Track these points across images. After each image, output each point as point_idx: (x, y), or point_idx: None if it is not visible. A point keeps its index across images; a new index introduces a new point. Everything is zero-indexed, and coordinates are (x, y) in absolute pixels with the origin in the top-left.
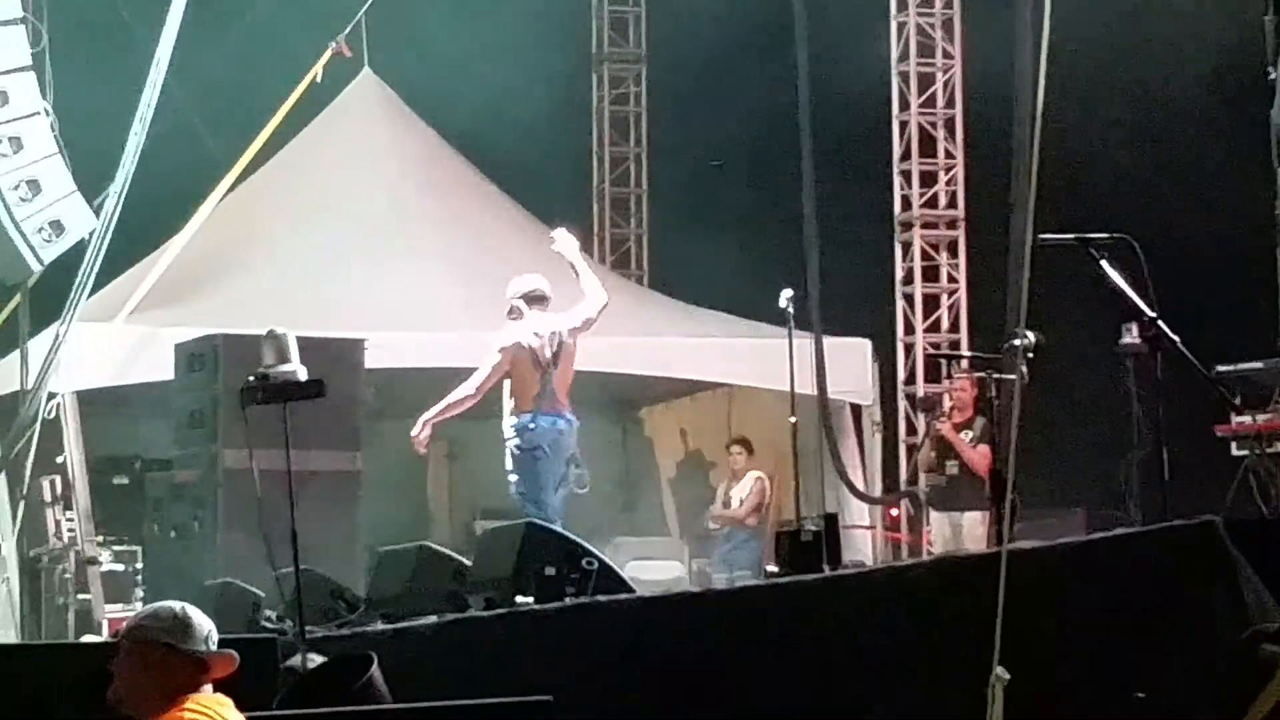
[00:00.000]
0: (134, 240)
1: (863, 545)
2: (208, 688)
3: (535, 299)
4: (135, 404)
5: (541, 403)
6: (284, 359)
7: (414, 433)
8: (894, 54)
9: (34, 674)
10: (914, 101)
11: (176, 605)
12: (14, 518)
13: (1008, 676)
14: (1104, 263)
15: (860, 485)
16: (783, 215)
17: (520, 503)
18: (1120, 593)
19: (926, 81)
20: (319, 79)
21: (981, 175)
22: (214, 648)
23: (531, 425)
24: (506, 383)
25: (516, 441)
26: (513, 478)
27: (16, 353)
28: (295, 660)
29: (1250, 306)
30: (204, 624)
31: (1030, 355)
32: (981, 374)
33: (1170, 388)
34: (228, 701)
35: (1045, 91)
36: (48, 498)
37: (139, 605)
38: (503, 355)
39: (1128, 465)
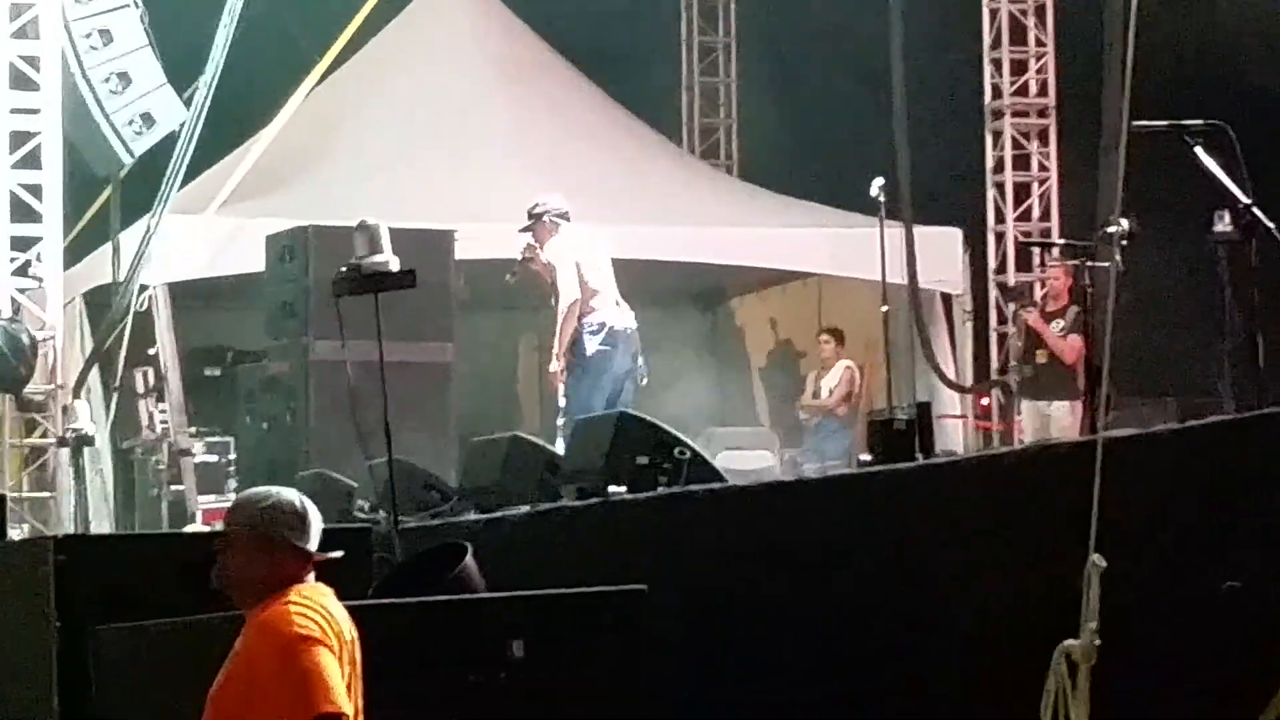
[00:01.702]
0: (224, 132)
1: (954, 434)
2: (310, 577)
3: (565, 218)
4: (226, 296)
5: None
6: (376, 249)
7: (553, 369)
8: None
9: (133, 563)
10: None
11: (295, 498)
12: (107, 410)
13: (1104, 564)
14: (1199, 149)
15: (951, 374)
16: (873, 104)
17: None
18: (1214, 481)
19: None
20: None
21: (1072, 63)
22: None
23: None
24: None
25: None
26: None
27: (108, 245)
28: (390, 550)
29: None
30: (318, 519)
31: (1124, 243)
32: (1075, 262)
33: (1263, 276)
34: (329, 592)
35: None
36: (140, 389)
37: (232, 496)
38: (576, 264)
39: (1220, 354)
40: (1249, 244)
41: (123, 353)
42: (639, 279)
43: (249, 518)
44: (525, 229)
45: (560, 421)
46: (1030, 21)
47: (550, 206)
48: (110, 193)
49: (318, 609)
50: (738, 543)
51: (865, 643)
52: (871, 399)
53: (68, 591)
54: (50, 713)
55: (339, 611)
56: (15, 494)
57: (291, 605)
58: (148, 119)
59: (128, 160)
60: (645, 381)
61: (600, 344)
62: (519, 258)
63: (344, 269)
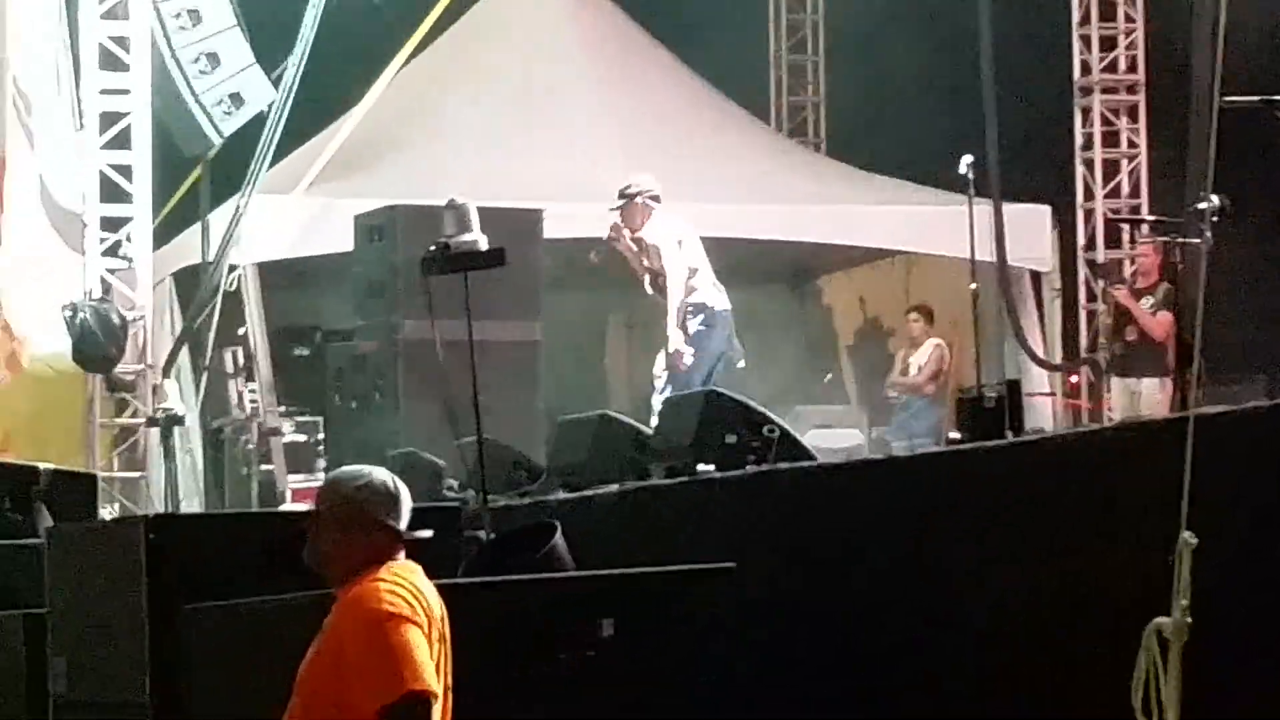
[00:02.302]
0: (312, 112)
1: (1043, 412)
2: (400, 555)
3: (657, 200)
4: (315, 275)
5: None
6: (464, 229)
7: (673, 348)
8: None
9: (224, 542)
10: None
11: (388, 477)
12: (197, 389)
13: (1196, 541)
14: None
15: (1040, 352)
16: (962, 81)
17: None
18: None
19: None
20: None
21: (1162, 39)
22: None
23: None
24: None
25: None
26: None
27: (198, 225)
28: (479, 529)
29: None
30: (408, 498)
31: (1215, 219)
32: (1165, 239)
33: None
34: (418, 569)
35: None
36: (230, 369)
37: (321, 475)
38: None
39: None
40: None
41: (212, 332)
42: (727, 258)
43: (341, 497)
44: (616, 208)
45: (658, 400)
46: None
47: (644, 188)
48: (199, 173)
49: (407, 586)
50: (826, 521)
51: (956, 618)
52: (960, 377)
53: (158, 571)
54: (141, 692)
55: (428, 589)
56: (106, 473)
57: (381, 583)
58: (236, 99)
59: (217, 140)
60: (742, 364)
61: (700, 324)
62: (605, 237)
63: (432, 248)
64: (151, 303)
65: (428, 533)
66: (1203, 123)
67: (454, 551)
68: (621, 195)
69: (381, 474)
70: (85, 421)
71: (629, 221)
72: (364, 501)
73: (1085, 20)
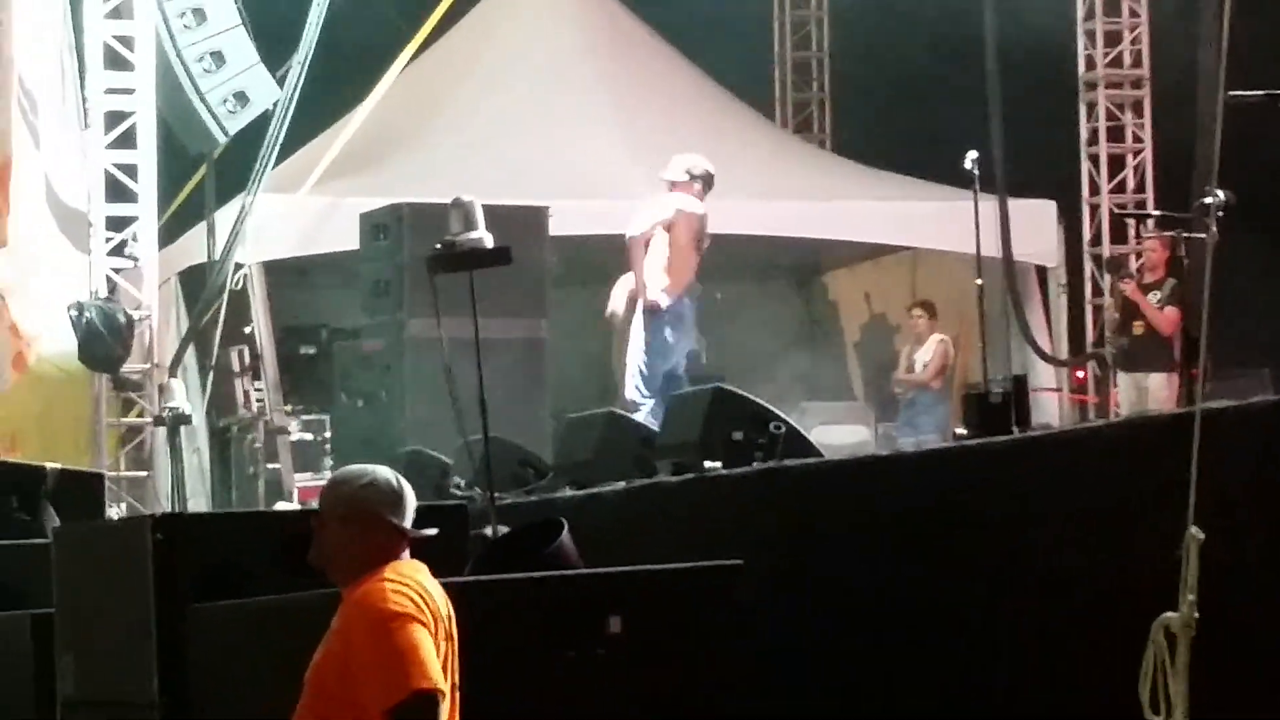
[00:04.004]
0: (317, 110)
1: (1049, 407)
2: (406, 554)
3: (706, 180)
4: (321, 274)
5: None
6: (470, 226)
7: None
8: None
9: (231, 541)
10: None
11: (391, 475)
12: (203, 388)
13: (1202, 536)
14: None
15: (1046, 347)
16: (966, 77)
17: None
18: None
19: None
20: None
21: (1166, 33)
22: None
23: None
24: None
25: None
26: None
27: (203, 224)
28: (485, 527)
29: None
30: (413, 497)
31: (1220, 214)
32: (1171, 234)
33: None
34: (424, 568)
35: None
36: (236, 368)
37: (328, 474)
38: (673, 214)
39: None
40: None
41: (218, 331)
42: (733, 254)
43: (345, 495)
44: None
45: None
46: None
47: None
48: (204, 172)
49: (413, 585)
50: (833, 517)
51: (962, 616)
52: (966, 373)
53: (166, 570)
54: (149, 691)
55: (435, 588)
56: (113, 473)
57: (387, 582)
58: (241, 98)
59: (222, 139)
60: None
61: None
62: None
63: (438, 246)
64: (157, 302)
65: (432, 531)
66: (1208, 117)
67: (461, 549)
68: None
69: (385, 472)
70: (92, 421)
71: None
72: (368, 500)
73: (1090, 15)
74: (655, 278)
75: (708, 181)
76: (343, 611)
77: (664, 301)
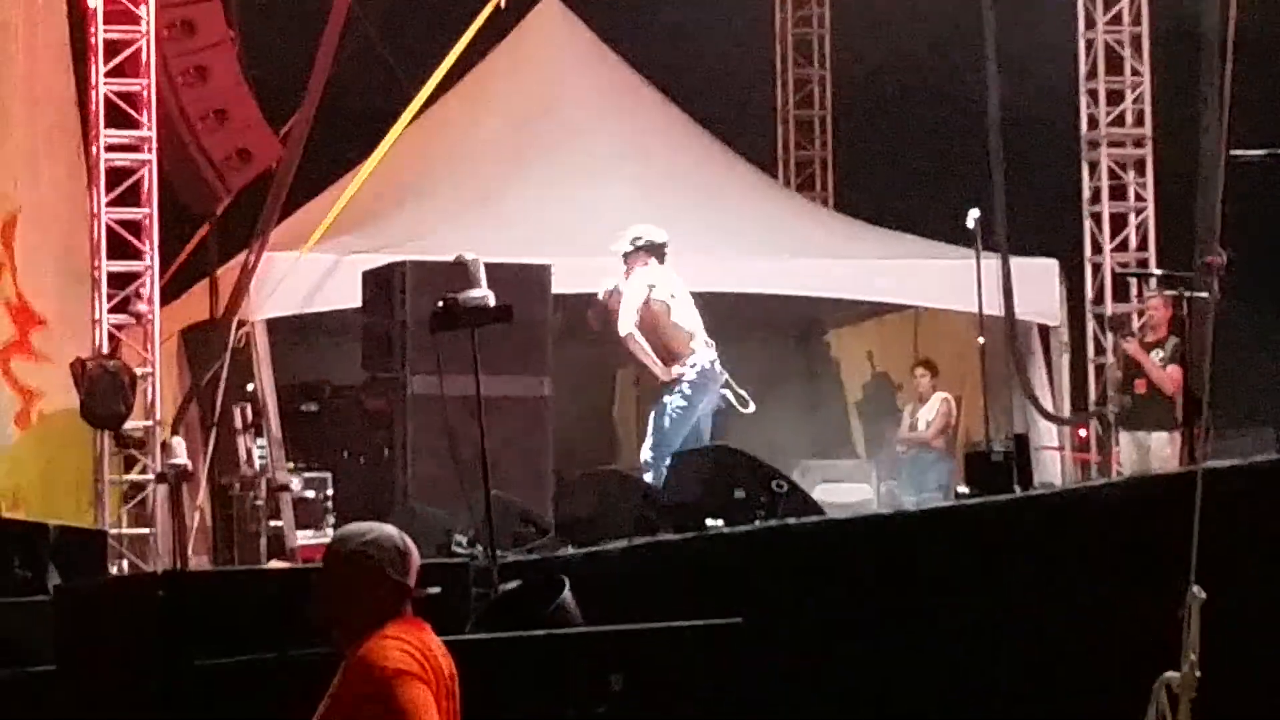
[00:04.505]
0: (320, 168)
1: (1051, 466)
2: (408, 612)
3: (656, 250)
4: (324, 331)
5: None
6: (473, 284)
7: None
8: None
9: (234, 598)
10: (1100, 19)
11: (395, 533)
12: (205, 445)
13: (1204, 595)
14: None
15: (1048, 406)
16: (968, 135)
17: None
18: None
19: None
20: (503, 4)
21: (1168, 92)
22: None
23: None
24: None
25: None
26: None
27: (206, 282)
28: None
29: None
30: (415, 555)
31: (1222, 273)
32: (1173, 293)
33: None
34: (426, 626)
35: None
36: (239, 425)
37: (330, 531)
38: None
39: None
40: None
41: (221, 389)
42: (735, 311)
43: (348, 554)
44: (627, 254)
45: (648, 455)
46: (1126, 51)
47: (650, 238)
48: (207, 229)
49: (415, 644)
50: (836, 575)
51: (964, 674)
52: (969, 431)
53: (169, 627)
54: None
55: (436, 646)
56: (115, 530)
57: (389, 640)
58: (244, 155)
59: (225, 196)
60: (751, 408)
61: (697, 381)
62: (601, 295)
63: (441, 304)
64: (159, 359)
65: (435, 589)
66: (1210, 176)
67: (464, 607)
68: (632, 243)
69: (387, 530)
70: (94, 478)
71: (631, 269)
72: (371, 559)
73: (1092, 74)
74: (661, 355)
75: (658, 251)
76: (345, 669)
77: (681, 370)
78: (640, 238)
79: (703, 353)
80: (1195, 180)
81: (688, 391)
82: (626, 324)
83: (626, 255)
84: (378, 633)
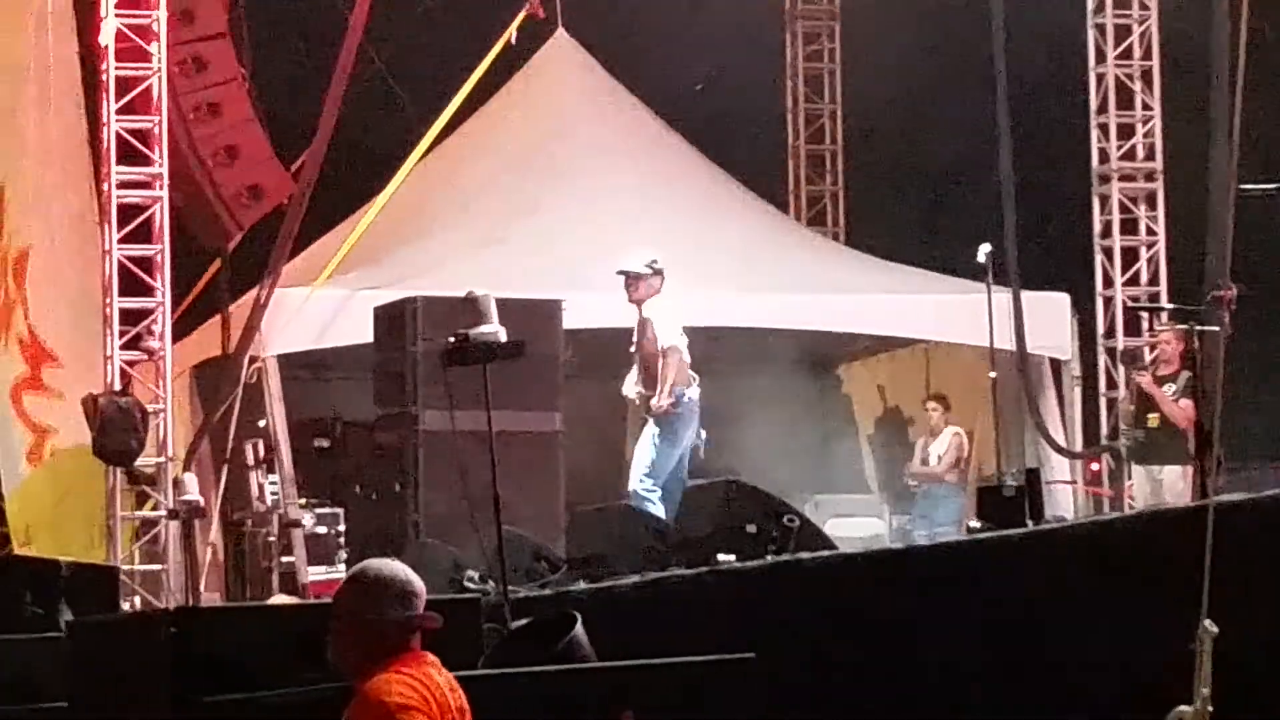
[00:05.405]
0: (331, 204)
1: (1064, 500)
2: (415, 646)
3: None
4: (335, 367)
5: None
6: (484, 320)
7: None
8: (1090, 5)
9: (246, 635)
10: (1110, 53)
11: (400, 569)
12: (217, 482)
13: (1216, 629)
14: None
15: (1060, 440)
16: (980, 170)
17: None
18: None
19: (1123, 33)
20: (513, 41)
21: (1179, 127)
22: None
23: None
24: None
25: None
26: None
27: (217, 318)
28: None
29: None
30: (423, 591)
31: (1233, 307)
32: (1184, 326)
33: None
34: (435, 660)
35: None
36: (251, 461)
37: (343, 567)
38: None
39: None
40: None
41: (233, 425)
42: (747, 346)
43: (356, 591)
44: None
45: (637, 486)
46: (1137, 86)
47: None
48: (219, 265)
49: (419, 678)
50: (848, 610)
51: (977, 708)
52: (981, 465)
53: (181, 664)
54: None
55: (445, 681)
56: (127, 566)
57: (393, 675)
58: (255, 191)
59: (236, 233)
60: (703, 450)
61: (684, 413)
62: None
63: (452, 340)
64: (171, 395)
65: (437, 617)
66: (1220, 210)
67: (476, 643)
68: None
69: (395, 566)
70: (106, 514)
71: (641, 294)
72: (378, 595)
73: (1103, 108)
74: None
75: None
76: (353, 705)
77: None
78: (656, 261)
79: (694, 387)
80: (1206, 214)
81: (677, 425)
82: (672, 335)
83: (639, 276)
84: (385, 668)
